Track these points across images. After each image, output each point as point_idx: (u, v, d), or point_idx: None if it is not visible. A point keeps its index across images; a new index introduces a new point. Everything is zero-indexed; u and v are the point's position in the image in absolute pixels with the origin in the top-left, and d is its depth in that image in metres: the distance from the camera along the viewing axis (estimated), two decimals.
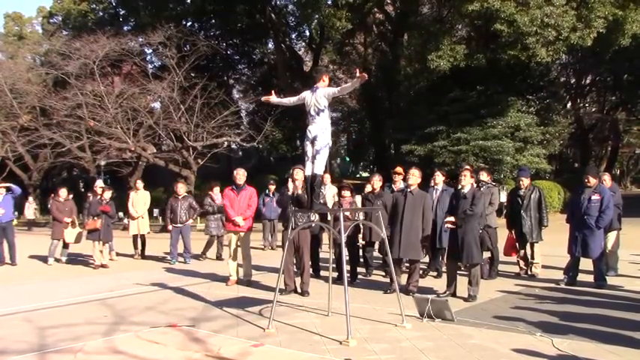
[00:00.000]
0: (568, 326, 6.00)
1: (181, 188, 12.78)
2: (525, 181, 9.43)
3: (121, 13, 32.92)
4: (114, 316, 7.17)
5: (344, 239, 6.14)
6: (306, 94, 6.38)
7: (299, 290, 8.35)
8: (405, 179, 9.43)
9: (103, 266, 11.96)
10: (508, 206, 9.68)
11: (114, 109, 22.51)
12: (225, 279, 9.51)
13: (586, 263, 8.54)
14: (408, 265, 8.47)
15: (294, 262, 8.77)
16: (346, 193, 9.30)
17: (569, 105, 34.64)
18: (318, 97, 6.24)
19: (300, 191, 7.97)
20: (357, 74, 6.02)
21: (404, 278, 8.34)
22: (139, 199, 13.50)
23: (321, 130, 6.23)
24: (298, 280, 8.48)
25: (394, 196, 8.68)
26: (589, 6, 18.57)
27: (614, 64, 27.91)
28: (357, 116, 41.67)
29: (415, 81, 27.01)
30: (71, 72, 22.81)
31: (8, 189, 12.74)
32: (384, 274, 9.66)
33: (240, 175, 9.44)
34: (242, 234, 9.28)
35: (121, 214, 18.06)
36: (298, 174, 8.20)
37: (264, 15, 30.45)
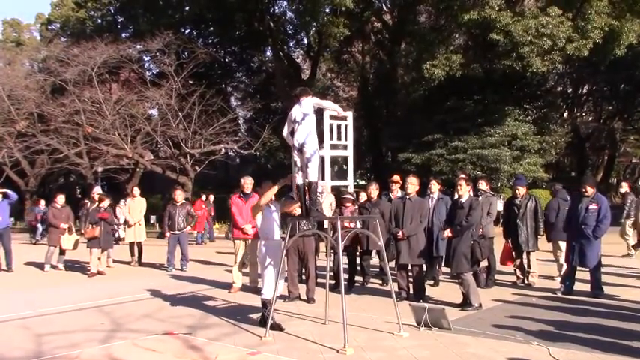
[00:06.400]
0: (565, 335, 6.02)
1: (179, 195, 12.79)
2: (521, 190, 9.45)
3: (120, 20, 32.94)
4: (111, 324, 7.17)
5: (341, 247, 6.15)
6: (292, 110, 6.40)
7: (303, 297, 8.36)
8: (402, 188, 9.47)
9: (100, 273, 11.95)
10: (505, 215, 9.70)
11: (112, 115, 22.51)
12: (222, 286, 9.50)
13: (582, 272, 8.57)
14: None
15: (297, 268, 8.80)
16: (348, 204, 9.34)
17: (565, 114, 34.74)
18: (303, 104, 6.30)
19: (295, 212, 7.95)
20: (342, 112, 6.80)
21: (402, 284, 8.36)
22: (136, 206, 13.53)
23: (306, 136, 6.22)
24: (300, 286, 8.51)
25: (394, 203, 8.73)
26: (585, 17, 18.65)
27: (610, 74, 28.00)
28: (354, 124, 41.56)
29: (412, 89, 27.10)
30: (69, 78, 22.80)
31: (5, 195, 12.67)
32: (381, 282, 9.68)
33: (248, 184, 9.54)
34: (250, 241, 9.31)
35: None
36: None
37: (263, 23, 30.52)
